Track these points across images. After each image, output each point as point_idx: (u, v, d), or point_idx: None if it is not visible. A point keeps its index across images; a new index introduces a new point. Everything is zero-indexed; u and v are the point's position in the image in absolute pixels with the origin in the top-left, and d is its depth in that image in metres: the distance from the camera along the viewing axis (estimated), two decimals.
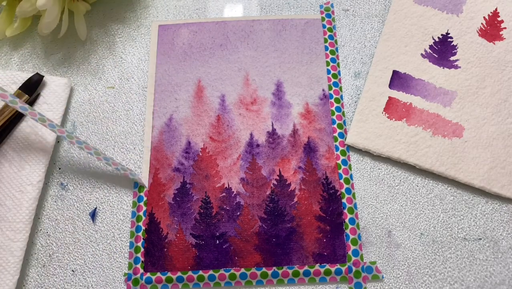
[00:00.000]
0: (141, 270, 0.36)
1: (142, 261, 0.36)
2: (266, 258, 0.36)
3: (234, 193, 0.39)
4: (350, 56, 0.44)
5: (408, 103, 0.41)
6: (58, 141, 0.41)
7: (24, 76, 0.41)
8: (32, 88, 0.40)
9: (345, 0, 0.47)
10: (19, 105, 0.35)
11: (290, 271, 0.36)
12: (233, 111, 0.42)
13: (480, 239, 0.37)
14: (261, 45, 0.44)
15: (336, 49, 0.44)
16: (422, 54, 0.43)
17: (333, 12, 0.46)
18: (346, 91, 0.43)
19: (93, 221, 0.38)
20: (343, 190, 0.38)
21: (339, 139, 0.40)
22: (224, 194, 0.38)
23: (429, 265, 0.36)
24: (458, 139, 0.40)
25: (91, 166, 0.40)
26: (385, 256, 0.37)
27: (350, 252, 0.36)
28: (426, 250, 0.37)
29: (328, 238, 0.37)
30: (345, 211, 0.38)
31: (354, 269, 0.36)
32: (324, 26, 0.45)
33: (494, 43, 0.43)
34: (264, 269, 0.36)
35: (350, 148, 0.40)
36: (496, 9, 0.45)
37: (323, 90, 0.42)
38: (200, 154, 0.40)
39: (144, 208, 0.38)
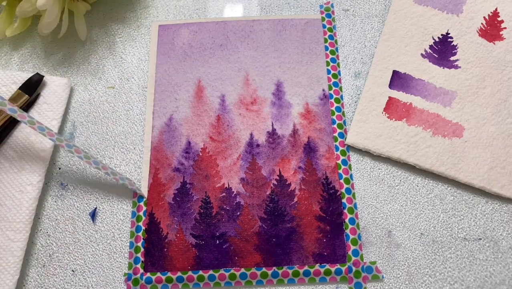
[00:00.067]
0: (141, 270, 0.36)
1: (142, 261, 0.36)
2: (266, 258, 0.36)
3: (234, 193, 0.39)
4: (350, 56, 0.44)
5: (408, 103, 0.41)
6: None
7: (24, 76, 0.41)
8: (32, 88, 0.40)
9: (345, 0, 0.47)
10: (8, 107, 0.34)
11: (290, 271, 0.36)
12: (233, 111, 0.42)
13: (480, 239, 0.37)
14: (261, 45, 0.44)
15: (336, 49, 0.44)
16: (422, 54, 0.43)
17: (333, 12, 0.46)
18: (346, 91, 0.43)
19: (93, 221, 0.38)
20: (343, 190, 0.38)
21: (339, 139, 0.40)
22: (224, 194, 0.39)
23: (429, 265, 0.36)
24: (458, 139, 0.40)
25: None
26: (385, 256, 0.37)
27: (350, 252, 0.36)
28: (426, 250, 0.37)
29: (328, 238, 0.37)
30: (345, 211, 0.38)
31: (354, 269, 0.36)
32: (324, 26, 0.45)
33: (494, 43, 0.43)
34: (264, 269, 0.36)
35: (350, 148, 0.40)
36: (496, 9, 0.45)
37: (323, 90, 0.42)
38: (200, 154, 0.40)
39: (144, 208, 0.38)
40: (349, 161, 0.40)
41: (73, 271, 0.36)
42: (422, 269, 0.36)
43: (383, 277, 0.36)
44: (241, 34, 0.45)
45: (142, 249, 0.37)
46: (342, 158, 0.40)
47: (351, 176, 0.39)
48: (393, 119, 0.41)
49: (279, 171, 0.39)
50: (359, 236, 0.37)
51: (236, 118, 0.41)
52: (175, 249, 0.37)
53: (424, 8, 0.45)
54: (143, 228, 0.37)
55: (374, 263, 0.36)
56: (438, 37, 0.44)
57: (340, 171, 0.39)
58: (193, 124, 0.41)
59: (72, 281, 0.36)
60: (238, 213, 0.38)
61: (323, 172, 0.39)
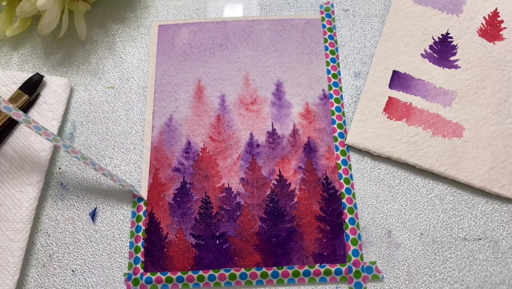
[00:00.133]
0: (141, 270, 0.36)
1: (142, 261, 0.36)
2: (266, 258, 0.36)
3: (234, 193, 0.39)
4: (350, 56, 0.44)
5: (408, 103, 0.41)
6: None
7: (24, 76, 0.41)
8: (32, 88, 0.40)
9: (345, 0, 0.47)
10: (3, 105, 0.32)
11: (290, 271, 0.36)
12: (233, 111, 0.42)
13: (480, 239, 0.37)
14: (261, 45, 0.44)
15: (336, 49, 0.44)
16: (422, 54, 0.43)
17: (333, 12, 0.46)
18: (346, 91, 0.43)
19: (93, 221, 0.38)
20: (343, 190, 0.38)
21: (339, 139, 0.40)
22: (224, 194, 0.38)
23: (429, 265, 0.36)
24: (458, 139, 0.40)
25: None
26: (385, 256, 0.37)
27: (350, 252, 0.36)
28: (426, 250, 0.37)
29: (328, 238, 0.37)
30: (345, 211, 0.38)
31: (354, 269, 0.36)
32: (324, 26, 0.45)
33: (494, 43, 0.43)
34: (264, 269, 0.36)
35: (350, 148, 0.40)
36: (496, 9, 0.45)
37: (323, 90, 0.42)
38: (200, 154, 0.40)
39: (144, 208, 0.38)
40: (349, 161, 0.40)
41: (73, 271, 0.36)
42: (422, 269, 0.36)
43: (383, 277, 0.36)
44: (241, 34, 0.45)
45: (142, 249, 0.37)
46: (342, 158, 0.40)
47: (351, 176, 0.39)
48: (393, 119, 0.41)
49: (279, 171, 0.39)
50: (359, 236, 0.37)
51: (236, 118, 0.41)
52: (175, 249, 0.37)
53: (424, 8, 0.45)
54: (143, 228, 0.37)
55: (374, 263, 0.36)
56: (438, 37, 0.44)
57: (340, 171, 0.39)
58: (193, 124, 0.41)
59: (72, 281, 0.36)
60: (238, 213, 0.38)
61: (323, 172, 0.39)
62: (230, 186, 0.39)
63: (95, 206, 0.39)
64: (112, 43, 0.45)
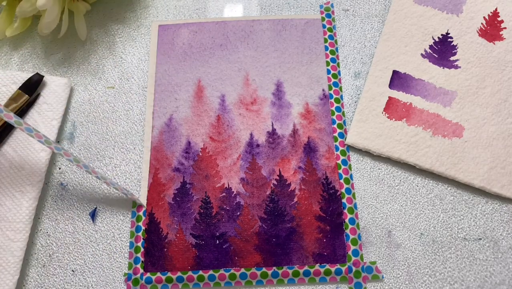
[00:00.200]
0: (141, 270, 0.36)
1: (142, 261, 0.36)
2: (266, 258, 0.36)
3: (234, 193, 0.39)
4: (350, 56, 0.44)
5: (408, 103, 0.41)
6: (58, 141, 0.41)
7: (24, 76, 0.41)
8: (32, 88, 0.40)
9: (345, 0, 0.47)
10: None
11: (290, 271, 0.36)
12: (233, 111, 0.42)
13: (480, 239, 0.37)
14: (261, 45, 0.44)
15: (336, 49, 0.44)
16: (422, 54, 0.43)
17: (333, 12, 0.46)
18: (346, 91, 0.43)
19: (93, 221, 0.38)
20: (343, 190, 0.38)
21: (339, 139, 0.40)
22: (224, 194, 0.38)
23: (429, 265, 0.36)
24: (458, 139, 0.40)
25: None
26: (385, 256, 0.37)
27: (350, 252, 0.36)
28: (426, 250, 0.37)
29: (328, 238, 0.37)
30: (345, 211, 0.38)
31: (354, 269, 0.36)
32: (324, 26, 0.45)
33: (494, 43, 0.43)
34: (264, 269, 0.36)
35: (350, 148, 0.40)
36: (496, 9, 0.45)
37: (323, 90, 0.42)
38: (200, 154, 0.40)
39: (144, 208, 0.38)
40: (349, 161, 0.40)
41: (73, 271, 0.36)
42: (422, 269, 0.36)
43: (383, 277, 0.36)
44: (241, 34, 0.45)
45: (142, 249, 0.37)
46: (342, 158, 0.40)
47: (351, 176, 0.39)
48: (393, 119, 0.41)
49: (279, 171, 0.39)
50: (359, 236, 0.37)
51: (236, 118, 0.41)
52: (175, 249, 0.37)
53: (424, 8, 0.45)
54: (143, 228, 0.37)
55: (374, 263, 0.36)
56: (438, 37, 0.44)
57: (340, 171, 0.39)
58: (193, 124, 0.41)
59: (72, 281, 0.36)
60: (238, 213, 0.38)
61: (323, 172, 0.39)
62: (230, 186, 0.39)
63: (95, 206, 0.39)
64: (112, 43, 0.45)
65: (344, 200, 0.38)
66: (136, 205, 0.38)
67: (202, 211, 0.38)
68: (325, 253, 0.36)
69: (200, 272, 0.36)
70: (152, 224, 0.38)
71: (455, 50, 0.43)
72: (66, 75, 0.44)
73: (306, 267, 0.36)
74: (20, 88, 0.40)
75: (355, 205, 0.38)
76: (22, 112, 0.40)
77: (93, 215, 0.38)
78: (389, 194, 0.39)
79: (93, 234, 0.38)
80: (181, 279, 0.36)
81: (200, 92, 0.42)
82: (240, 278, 0.36)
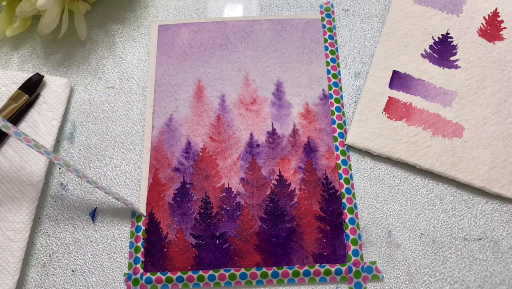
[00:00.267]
0: (141, 270, 0.36)
1: (142, 261, 0.36)
2: (266, 258, 0.36)
3: (234, 193, 0.39)
4: (350, 56, 0.44)
5: (408, 103, 0.41)
6: (58, 141, 0.41)
7: (24, 76, 0.41)
8: (32, 88, 0.40)
9: (345, 0, 0.47)
10: None
11: (290, 271, 0.36)
12: (233, 111, 0.42)
13: (480, 239, 0.37)
14: (261, 45, 0.44)
15: (336, 49, 0.44)
16: (422, 54, 0.43)
17: (333, 12, 0.46)
18: (346, 91, 0.43)
19: (93, 221, 0.38)
20: (343, 190, 0.38)
21: (339, 139, 0.40)
22: (224, 194, 0.38)
23: (429, 265, 0.36)
24: (458, 139, 0.40)
25: (91, 166, 0.40)
26: (385, 256, 0.37)
27: (350, 252, 0.36)
28: (426, 250, 0.37)
29: (328, 238, 0.37)
30: (345, 211, 0.38)
31: (354, 269, 0.36)
32: (324, 26, 0.45)
33: (494, 43, 0.43)
34: (264, 269, 0.36)
35: (350, 148, 0.40)
36: (496, 9, 0.45)
37: (323, 90, 0.42)
38: (200, 154, 0.40)
39: (144, 208, 0.38)
40: (349, 161, 0.40)
41: (73, 271, 0.36)
42: (422, 269, 0.36)
43: (383, 277, 0.36)
44: (241, 34, 0.45)
45: (142, 249, 0.37)
46: (342, 158, 0.40)
47: (351, 176, 0.39)
48: (393, 119, 0.41)
49: (279, 171, 0.39)
50: (359, 236, 0.37)
51: (236, 118, 0.41)
52: (175, 249, 0.37)
53: (424, 8, 0.45)
54: (143, 228, 0.37)
55: (374, 263, 0.36)
56: (438, 37, 0.44)
57: (340, 171, 0.39)
58: (193, 124, 0.41)
59: (72, 281, 0.36)
60: (238, 213, 0.38)
61: (323, 172, 0.39)
62: (230, 186, 0.39)
63: (95, 206, 0.39)
64: (112, 43, 0.45)
65: (344, 200, 0.38)
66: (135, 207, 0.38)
67: (202, 211, 0.38)
68: (325, 253, 0.36)
69: (200, 272, 0.36)
70: (152, 224, 0.38)
71: (455, 50, 0.43)
72: (66, 75, 0.44)
73: (306, 267, 0.36)
74: (20, 88, 0.40)
75: (355, 205, 0.38)
76: (22, 112, 0.40)
77: (93, 215, 0.38)
78: (389, 194, 0.39)
79: (93, 234, 0.38)
80: (181, 279, 0.36)
81: (200, 92, 0.42)
82: (240, 278, 0.36)
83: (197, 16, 0.46)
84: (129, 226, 0.38)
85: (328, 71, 0.43)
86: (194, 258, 0.36)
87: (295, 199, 0.38)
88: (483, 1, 0.45)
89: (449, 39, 0.44)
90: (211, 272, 0.36)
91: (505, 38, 0.44)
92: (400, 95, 0.41)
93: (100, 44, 0.45)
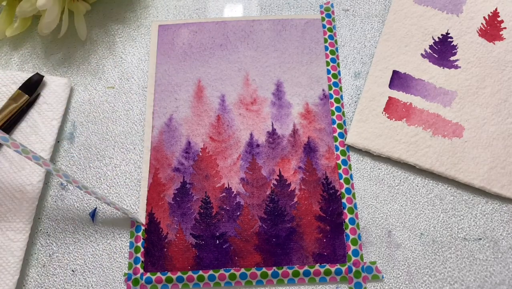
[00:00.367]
0: (141, 270, 0.36)
1: (142, 261, 0.36)
2: (266, 258, 0.36)
3: (234, 193, 0.39)
4: (350, 56, 0.44)
5: (408, 103, 0.41)
6: (58, 141, 0.41)
7: (24, 76, 0.41)
8: (32, 88, 0.40)
9: (345, 0, 0.47)
10: None
11: (290, 271, 0.36)
12: (233, 111, 0.42)
13: (480, 239, 0.37)
14: (261, 45, 0.44)
15: (336, 49, 0.44)
16: (422, 54, 0.43)
17: (333, 12, 0.46)
18: (346, 91, 0.43)
19: (93, 221, 0.38)
20: (343, 190, 0.38)
21: (339, 139, 0.40)
22: (224, 194, 0.38)
23: (429, 265, 0.36)
24: (458, 139, 0.40)
25: (91, 166, 0.40)
26: (385, 256, 0.37)
27: (350, 252, 0.36)
28: (426, 250, 0.37)
29: (328, 238, 0.37)
30: (345, 211, 0.38)
31: (354, 269, 0.36)
32: (324, 26, 0.45)
33: (494, 43, 0.43)
34: (264, 269, 0.36)
35: (350, 148, 0.40)
36: (496, 9, 0.45)
37: (323, 90, 0.42)
38: (200, 154, 0.40)
39: (143, 227, 0.38)
40: (349, 161, 0.40)
41: (73, 271, 0.36)
42: (422, 269, 0.36)
43: (383, 277, 0.36)
44: (241, 34, 0.45)
45: (142, 249, 0.37)
46: (342, 158, 0.40)
47: (351, 176, 0.39)
48: (393, 119, 0.41)
49: (279, 171, 0.39)
50: (359, 236, 0.37)
51: (236, 118, 0.41)
52: (175, 249, 0.37)
53: (424, 8, 0.45)
54: (143, 228, 0.37)
55: (374, 263, 0.36)
56: (438, 37, 0.44)
57: (340, 171, 0.39)
58: (193, 124, 0.41)
59: (72, 281, 0.36)
60: (238, 213, 0.38)
61: (323, 172, 0.39)
62: (230, 186, 0.39)
63: (95, 206, 0.39)
64: (112, 43, 0.45)
65: (344, 200, 0.38)
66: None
67: (202, 211, 0.38)
68: (325, 253, 0.36)
69: (200, 272, 0.36)
70: (152, 224, 0.38)
71: (455, 50, 0.43)
72: (66, 75, 0.44)
73: (306, 267, 0.36)
74: (20, 88, 0.40)
75: (355, 205, 0.38)
76: (22, 112, 0.40)
77: (93, 215, 0.38)
78: (389, 194, 0.39)
79: (93, 234, 0.38)
80: (181, 279, 0.36)
81: (200, 92, 0.42)
82: (240, 278, 0.36)
83: (197, 16, 0.46)
84: (129, 226, 0.38)
85: (328, 71, 0.43)
86: (194, 258, 0.36)
87: (295, 199, 0.38)
88: (483, 1, 0.45)
89: (449, 39, 0.44)
90: (211, 272, 0.36)
91: (505, 38, 0.44)
92: (400, 95, 0.41)
93: (100, 44, 0.45)
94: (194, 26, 0.45)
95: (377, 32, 0.45)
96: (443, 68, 0.42)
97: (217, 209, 0.38)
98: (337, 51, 0.44)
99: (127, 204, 0.39)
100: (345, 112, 0.42)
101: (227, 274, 0.36)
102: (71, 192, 0.39)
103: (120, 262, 0.37)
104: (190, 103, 0.42)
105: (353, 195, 0.39)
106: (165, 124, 0.41)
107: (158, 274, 0.36)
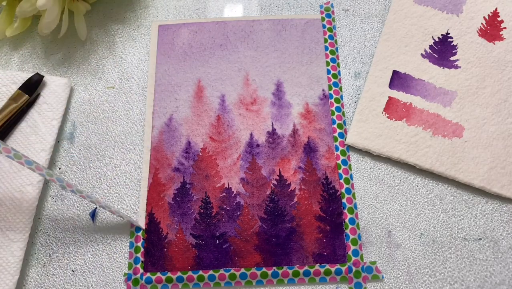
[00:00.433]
0: (141, 270, 0.36)
1: (142, 261, 0.36)
2: (266, 258, 0.36)
3: (234, 193, 0.39)
4: (350, 56, 0.44)
5: (408, 103, 0.41)
6: (58, 141, 0.41)
7: (24, 76, 0.41)
8: (32, 88, 0.40)
9: (345, 0, 0.47)
10: None
11: (290, 271, 0.36)
12: (233, 111, 0.42)
13: (480, 239, 0.37)
14: (261, 45, 0.44)
15: (336, 49, 0.44)
16: (422, 54, 0.43)
17: (333, 12, 0.46)
18: (346, 91, 0.43)
19: (93, 221, 0.38)
20: (343, 190, 0.38)
21: (339, 139, 0.40)
22: (224, 194, 0.38)
23: (429, 265, 0.36)
24: (458, 139, 0.40)
25: (91, 166, 0.40)
26: (385, 256, 0.37)
27: (350, 252, 0.36)
28: (426, 250, 0.37)
29: (328, 238, 0.37)
30: (345, 211, 0.38)
31: (354, 269, 0.36)
32: (324, 26, 0.45)
33: (494, 43, 0.43)
34: (264, 269, 0.36)
35: (350, 148, 0.40)
36: (496, 9, 0.45)
37: (323, 90, 0.42)
38: (200, 154, 0.40)
39: (144, 208, 0.38)
40: (349, 161, 0.40)
41: (73, 271, 0.36)
42: (422, 269, 0.36)
43: (383, 277, 0.36)
44: (241, 34, 0.45)
45: (142, 249, 0.37)
46: (342, 158, 0.40)
47: (351, 176, 0.39)
48: (393, 119, 0.41)
49: (279, 171, 0.39)
50: (359, 236, 0.37)
51: (236, 118, 0.41)
52: (175, 249, 0.37)
53: (424, 8, 0.45)
54: (143, 228, 0.37)
55: (374, 263, 0.36)
56: (438, 37, 0.44)
57: (340, 171, 0.39)
58: (193, 124, 0.41)
59: (72, 281, 0.36)
60: (238, 213, 0.38)
61: (323, 172, 0.39)
62: (230, 186, 0.39)
63: (95, 206, 0.39)
64: (112, 43, 0.45)
65: (344, 200, 0.38)
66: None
67: (202, 211, 0.38)
68: (325, 253, 0.36)
69: (200, 272, 0.36)
70: (152, 224, 0.38)
71: (455, 50, 0.43)
72: (66, 75, 0.44)
73: (306, 267, 0.36)
74: (20, 88, 0.40)
75: (355, 205, 0.38)
76: (22, 112, 0.40)
77: (93, 215, 0.38)
78: (389, 194, 0.39)
79: (93, 234, 0.38)
80: (181, 279, 0.36)
81: (200, 92, 0.42)
82: (240, 278, 0.36)
83: (197, 16, 0.46)
84: (129, 226, 0.38)
85: (328, 71, 0.43)
86: (194, 258, 0.36)
87: (295, 199, 0.38)
88: (483, 1, 0.45)
89: (449, 39, 0.44)
90: (211, 272, 0.36)
91: (505, 38, 0.44)
92: (400, 95, 0.41)
93: (100, 44, 0.45)
94: (194, 26, 0.45)
95: (377, 32, 0.45)
96: (443, 68, 0.42)
97: (217, 209, 0.38)
98: (337, 51, 0.44)
99: (127, 204, 0.39)
100: (345, 112, 0.42)
101: (227, 274, 0.36)
102: (71, 192, 0.39)
103: (120, 262, 0.37)
104: (190, 103, 0.42)
105: (353, 195, 0.39)
106: (165, 124, 0.41)
107: (158, 274, 0.36)
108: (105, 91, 0.43)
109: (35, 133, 0.39)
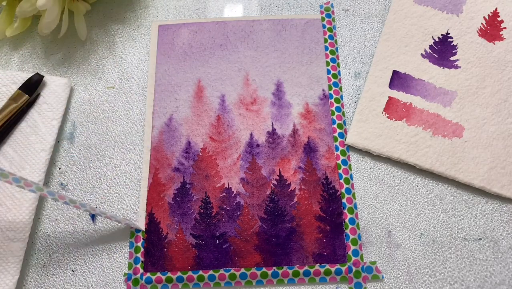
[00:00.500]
0: (141, 270, 0.36)
1: (142, 261, 0.36)
2: (266, 258, 0.36)
3: (234, 193, 0.39)
4: (350, 56, 0.44)
5: (408, 103, 0.41)
6: (58, 141, 0.41)
7: (24, 76, 0.41)
8: (32, 88, 0.40)
9: (345, 0, 0.47)
10: None
11: (290, 271, 0.36)
12: (233, 111, 0.42)
13: (480, 239, 0.37)
14: (261, 45, 0.44)
15: (336, 49, 0.44)
16: (422, 54, 0.43)
17: (333, 12, 0.46)
18: (346, 91, 0.43)
19: (93, 221, 0.38)
20: (343, 190, 0.38)
21: (339, 139, 0.40)
22: (224, 194, 0.38)
23: (429, 265, 0.36)
24: (458, 139, 0.40)
25: (91, 166, 0.40)
26: (385, 256, 0.37)
27: (350, 252, 0.36)
28: (426, 250, 0.37)
29: (328, 238, 0.37)
30: (345, 211, 0.38)
31: (354, 269, 0.36)
32: (324, 26, 0.45)
33: (494, 43, 0.43)
34: (264, 269, 0.36)
35: (350, 148, 0.40)
36: (496, 9, 0.45)
37: (323, 90, 0.42)
38: (200, 154, 0.40)
39: (144, 208, 0.38)
40: (349, 161, 0.40)
41: (73, 271, 0.36)
42: (422, 269, 0.36)
43: (383, 277, 0.36)
44: (241, 34, 0.45)
45: (142, 249, 0.37)
46: (342, 158, 0.40)
47: (351, 176, 0.39)
48: (393, 119, 0.41)
49: (279, 171, 0.39)
50: (359, 236, 0.37)
51: (236, 118, 0.41)
52: (175, 249, 0.37)
53: (424, 8, 0.45)
54: (143, 228, 0.37)
55: (374, 263, 0.36)
56: (438, 37, 0.44)
57: (340, 171, 0.39)
58: (193, 124, 0.41)
59: (72, 281, 0.36)
60: (238, 213, 0.38)
61: (323, 172, 0.39)
62: (230, 186, 0.39)
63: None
64: (112, 43, 0.45)
65: (344, 200, 0.38)
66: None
67: (202, 211, 0.38)
68: (325, 253, 0.36)
69: (200, 272, 0.36)
70: (152, 224, 0.38)
71: (455, 50, 0.43)
72: (66, 75, 0.44)
73: (306, 267, 0.36)
74: (20, 88, 0.40)
75: (355, 205, 0.38)
76: (22, 112, 0.40)
77: (93, 215, 0.38)
78: (389, 194, 0.39)
79: (93, 234, 0.38)
80: (181, 279, 0.36)
81: (200, 92, 0.42)
82: (240, 278, 0.36)
83: (197, 16, 0.46)
84: (129, 226, 0.38)
85: (328, 71, 0.43)
86: (194, 258, 0.36)
87: (295, 199, 0.38)
88: (483, 1, 0.45)
89: (449, 39, 0.44)
90: (211, 272, 0.36)
91: (505, 38, 0.44)
92: (400, 95, 0.41)
93: (100, 44, 0.45)
94: (194, 26, 0.45)
95: (377, 32, 0.45)
96: (443, 68, 0.42)
97: (217, 209, 0.38)
98: (337, 51, 0.44)
99: (127, 204, 0.39)
100: (345, 112, 0.42)
101: (227, 274, 0.36)
102: (71, 192, 0.39)
103: (120, 262, 0.37)
104: (190, 103, 0.42)
105: (353, 195, 0.39)
106: (165, 124, 0.41)
107: (158, 274, 0.36)
108: (105, 91, 0.43)
109: (35, 133, 0.39)
